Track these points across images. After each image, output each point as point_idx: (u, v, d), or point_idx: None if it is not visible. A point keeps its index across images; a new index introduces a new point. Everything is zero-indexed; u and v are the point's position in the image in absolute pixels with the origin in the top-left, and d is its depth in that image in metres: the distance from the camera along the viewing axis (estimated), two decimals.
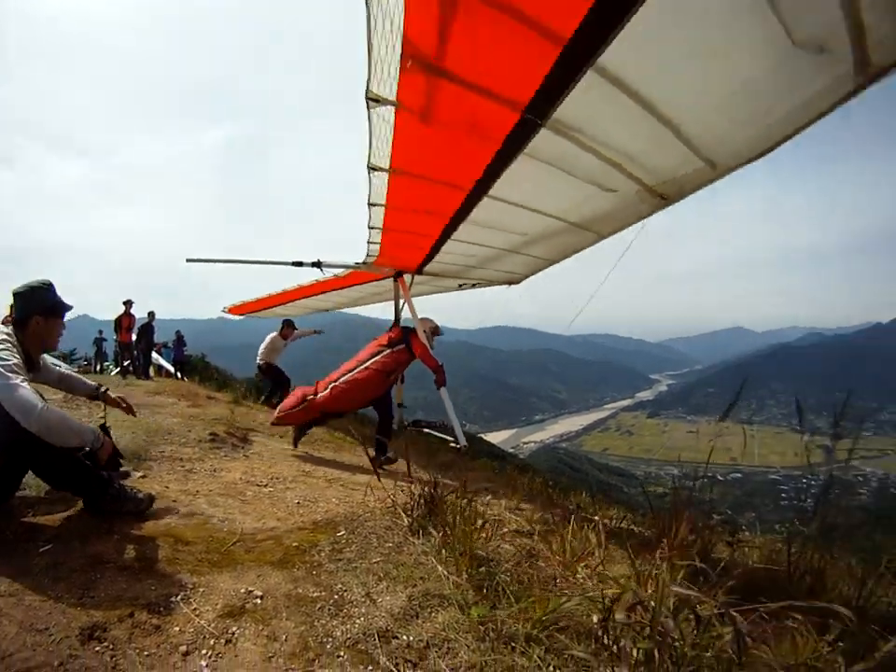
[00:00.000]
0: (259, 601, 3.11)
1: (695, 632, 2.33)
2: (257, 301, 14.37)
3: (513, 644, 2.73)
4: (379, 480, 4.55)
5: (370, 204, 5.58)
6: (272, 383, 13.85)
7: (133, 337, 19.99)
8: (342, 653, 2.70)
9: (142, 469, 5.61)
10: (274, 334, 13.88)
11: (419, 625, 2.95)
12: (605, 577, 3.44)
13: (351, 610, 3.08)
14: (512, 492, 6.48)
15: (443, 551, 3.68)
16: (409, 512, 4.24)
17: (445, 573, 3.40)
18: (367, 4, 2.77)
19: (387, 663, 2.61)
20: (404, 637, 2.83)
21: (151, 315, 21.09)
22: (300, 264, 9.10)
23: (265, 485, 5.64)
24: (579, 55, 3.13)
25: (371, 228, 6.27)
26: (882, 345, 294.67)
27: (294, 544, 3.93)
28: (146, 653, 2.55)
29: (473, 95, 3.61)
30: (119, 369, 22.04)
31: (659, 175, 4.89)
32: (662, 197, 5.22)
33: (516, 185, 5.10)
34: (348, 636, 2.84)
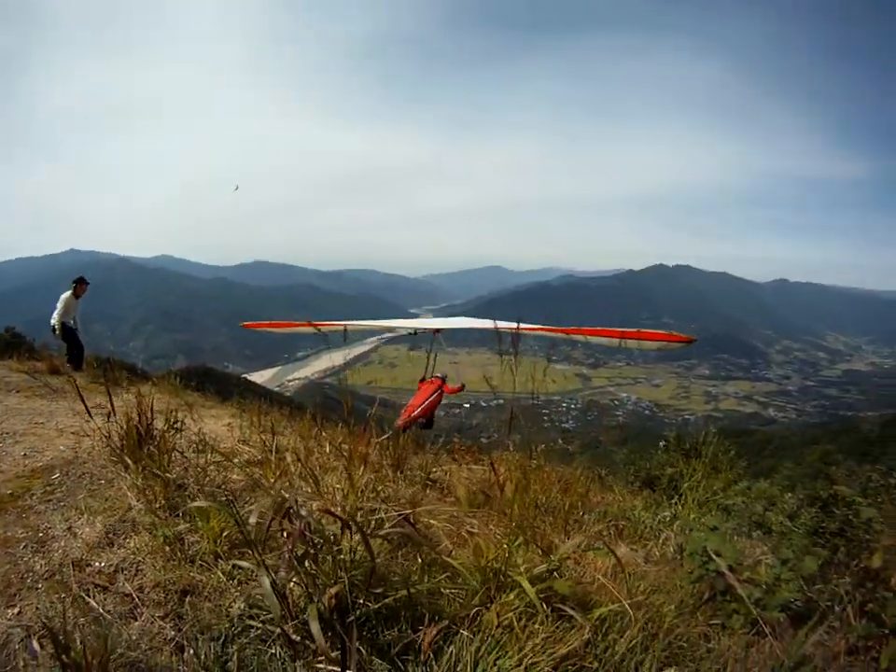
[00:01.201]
0: None
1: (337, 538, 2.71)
2: (282, 323, 13.70)
3: (200, 561, 3.09)
4: (93, 420, 4.57)
5: None
6: (66, 344, 12.94)
7: None
8: (40, 585, 2.92)
9: None
10: (67, 294, 12.82)
11: (112, 552, 3.23)
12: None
13: (52, 545, 3.29)
14: (252, 425, 6.75)
15: (141, 480, 3.93)
16: (122, 449, 4.38)
17: (136, 502, 3.71)
18: None
19: (78, 589, 2.86)
20: (97, 564, 3.09)
21: None
22: (414, 334, 12.65)
23: None
24: None
25: None
26: (633, 289, 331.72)
27: (9, 492, 4.02)
28: None
29: None
30: None
31: None
32: None
33: None
34: (47, 568, 3.05)
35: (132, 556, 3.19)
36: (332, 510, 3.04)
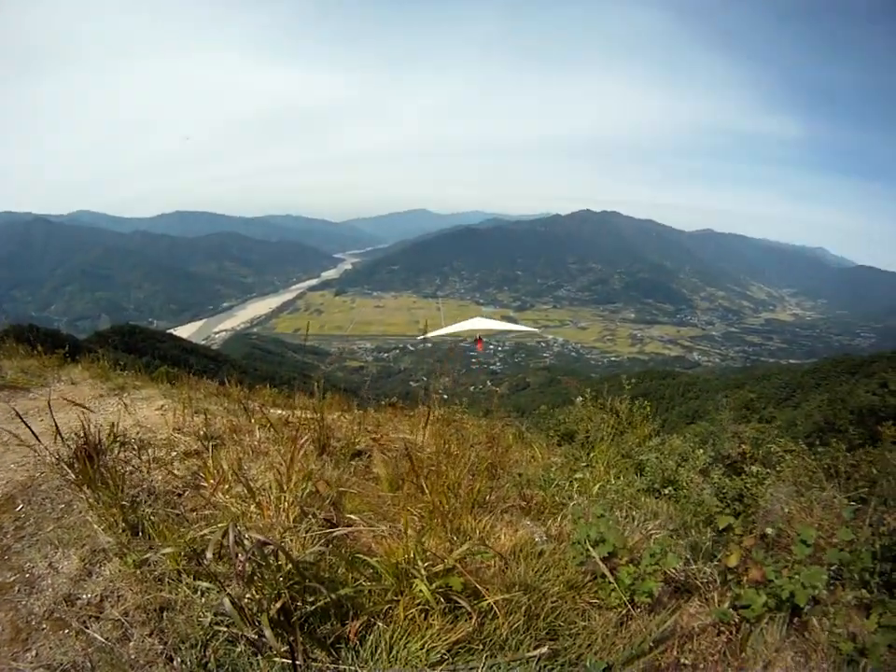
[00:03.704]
0: None
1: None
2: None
3: (168, 579, 3.61)
4: (37, 438, 4.50)
5: None
6: None
7: None
8: (44, 626, 3.32)
9: None
10: None
11: (93, 582, 3.69)
12: (236, 496, 4.38)
13: (41, 584, 3.67)
14: (183, 406, 6.61)
15: (99, 504, 4.19)
16: (72, 467, 4.41)
17: (99, 529, 4.05)
18: None
19: (77, 623, 3.32)
20: (84, 597, 3.56)
21: None
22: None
23: None
24: None
25: None
26: (560, 233, 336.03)
27: None
28: None
29: None
30: None
31: None
32: None
33: None
34: (45, 608, 3.46)
35: (110, 584, 3.65)
36: (269, 522, 3.70)
